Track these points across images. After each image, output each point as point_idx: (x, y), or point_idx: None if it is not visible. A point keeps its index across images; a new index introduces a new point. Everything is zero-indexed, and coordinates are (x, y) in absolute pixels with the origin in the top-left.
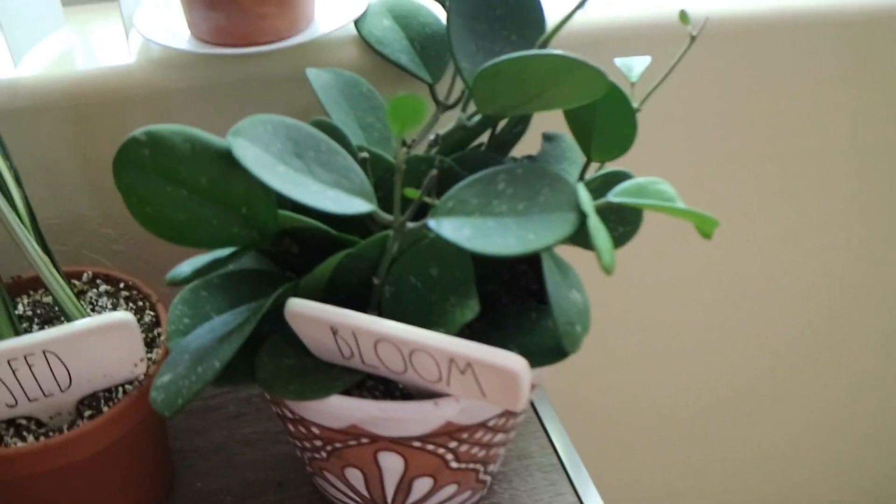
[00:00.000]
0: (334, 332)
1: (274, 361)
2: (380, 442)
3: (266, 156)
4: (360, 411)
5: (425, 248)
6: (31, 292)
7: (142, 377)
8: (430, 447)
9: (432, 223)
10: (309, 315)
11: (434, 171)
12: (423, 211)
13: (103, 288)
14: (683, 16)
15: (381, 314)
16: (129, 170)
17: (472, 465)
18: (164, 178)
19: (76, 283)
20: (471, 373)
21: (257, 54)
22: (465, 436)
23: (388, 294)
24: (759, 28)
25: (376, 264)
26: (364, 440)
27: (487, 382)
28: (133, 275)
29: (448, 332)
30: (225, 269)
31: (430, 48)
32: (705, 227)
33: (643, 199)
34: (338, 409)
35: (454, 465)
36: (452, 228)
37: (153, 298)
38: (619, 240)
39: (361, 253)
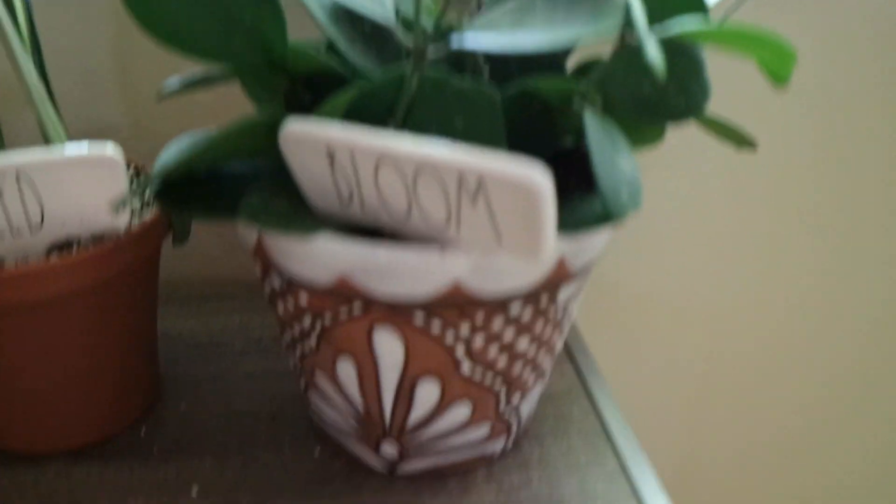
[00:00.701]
0: (331, 157)
1: (263, 200)
2: (374, 311)
3: None
4: (351, 255)
5: (450, 96)
6: None
7: (122, 227)
8: (435, 328)
9: (455, 38)
10: (305, 135)
11: None
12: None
13: (130, 171)
14: None
15: None
16: None
17: (489, 381)
18: None
19: None
20: (483, 200)
21: None
22: (479, 318)
23: None
24: None
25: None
26: (356, 309)
27: (503, 212)
28: None
29: None
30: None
31: None
32: (781, 67)
33: (704, 28)
34: (325, 254)
35: (466, 367)
36: (474, 39)
37: None
38: (680, 114)
39: (377, 92)
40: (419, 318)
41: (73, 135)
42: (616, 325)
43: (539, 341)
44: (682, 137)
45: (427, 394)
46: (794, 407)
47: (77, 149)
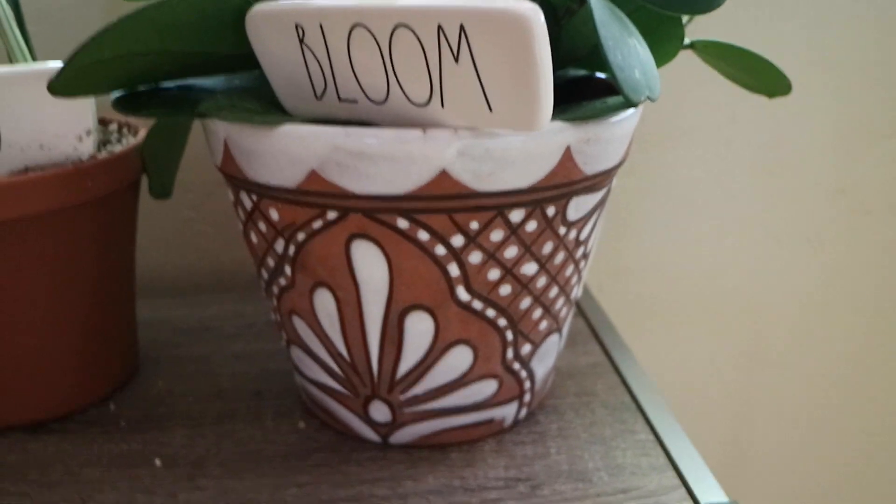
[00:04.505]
0: (301, 35)
1: (230, 99)
2: (351, 218)
3: None
4: (322, 143)
5: None
6: None
7: (86, 157)
8: (423, 235)
9: None
10: (272, 13)
11: None
12: None
13: (112, 126)
14: None
15: None
16: None
17: (491, 314)
18: None
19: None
20: (467, 54)
21: None
22: (472, 226)
23: None
24: None
25: None
26: (331, 216)
27: (490, 66)
28: None
29: None
30: None
31: None
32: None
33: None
34: (294, 146)
35: (462, 293)
36: None
37: None
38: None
39: None
40: (402, 224)
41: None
42: (648, 315)
43: (549, 271)
44: (716, 118)
45: (419, 329)
46: (839, 390)
47: (33, 64)
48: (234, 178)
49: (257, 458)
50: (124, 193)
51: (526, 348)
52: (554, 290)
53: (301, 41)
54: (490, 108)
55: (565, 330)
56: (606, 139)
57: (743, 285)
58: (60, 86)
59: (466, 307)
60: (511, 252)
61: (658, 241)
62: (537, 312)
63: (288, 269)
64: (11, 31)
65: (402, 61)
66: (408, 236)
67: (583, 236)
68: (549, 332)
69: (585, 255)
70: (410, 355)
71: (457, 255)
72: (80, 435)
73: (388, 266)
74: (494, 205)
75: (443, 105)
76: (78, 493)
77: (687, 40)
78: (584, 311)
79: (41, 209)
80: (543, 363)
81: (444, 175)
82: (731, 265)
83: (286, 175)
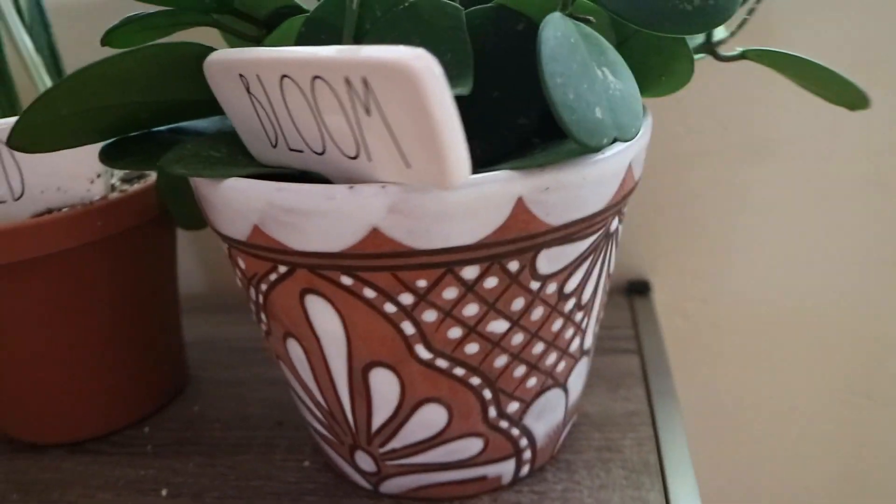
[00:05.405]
0: (247, 85)
1: (196, 148)
2: (298, 273)
3: None
4: (257, 198)
5: (404, 15)
6: None
7: (97, 198)
8: (369, 292)
9: None
10: (220, 64)
11: None
12: None
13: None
14: None
15: None
16: None
17: (460, 374)
18: None
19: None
20: (375, 107)
21: None
22: (420, 284)
23: None
24: None
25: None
26: (281, 267)
27: (397, 120)
28: None
29: None
30: None
31: None
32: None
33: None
34: (236, 200)
35: (423, 352)
36: None
37: None
38: (702, 18)
39: (325, 17)
40: (347, 281)
41: None
42: (740, 345)
43: (525, 328)
44: (813, 128)
45: (384, 385)
46: None
47: None
48: (209, 225)
49: (254, 495)
50: (147, 228)
51: (512, 406)
52: (538, 347)
53: (248, 91)
54: (407, 164)
55: (575, 382)
56: (575, 185)
57: (852, 312)
58: (21, 143)
59: (430, 365)
60: (471, 310)
61: (753, 263)
62: (520, 370)
63: (263, 316)
64: (41, 80)
65: (326, 113)
66: (354, 293)
67: (569, 288)
68: (543, 389)
69: (582, 306)
70: (381, 410)
71: (408, 312)
72: (108, 457)
73: (341, 321)
74: (440, 262)
75: (369, 159)
76: None
77: (739, 49)
78: (643, 349)
79: (57, 248)
80: (543, 420)
81: (376, 232)
82: (837, 289)
83: (237, 228)
